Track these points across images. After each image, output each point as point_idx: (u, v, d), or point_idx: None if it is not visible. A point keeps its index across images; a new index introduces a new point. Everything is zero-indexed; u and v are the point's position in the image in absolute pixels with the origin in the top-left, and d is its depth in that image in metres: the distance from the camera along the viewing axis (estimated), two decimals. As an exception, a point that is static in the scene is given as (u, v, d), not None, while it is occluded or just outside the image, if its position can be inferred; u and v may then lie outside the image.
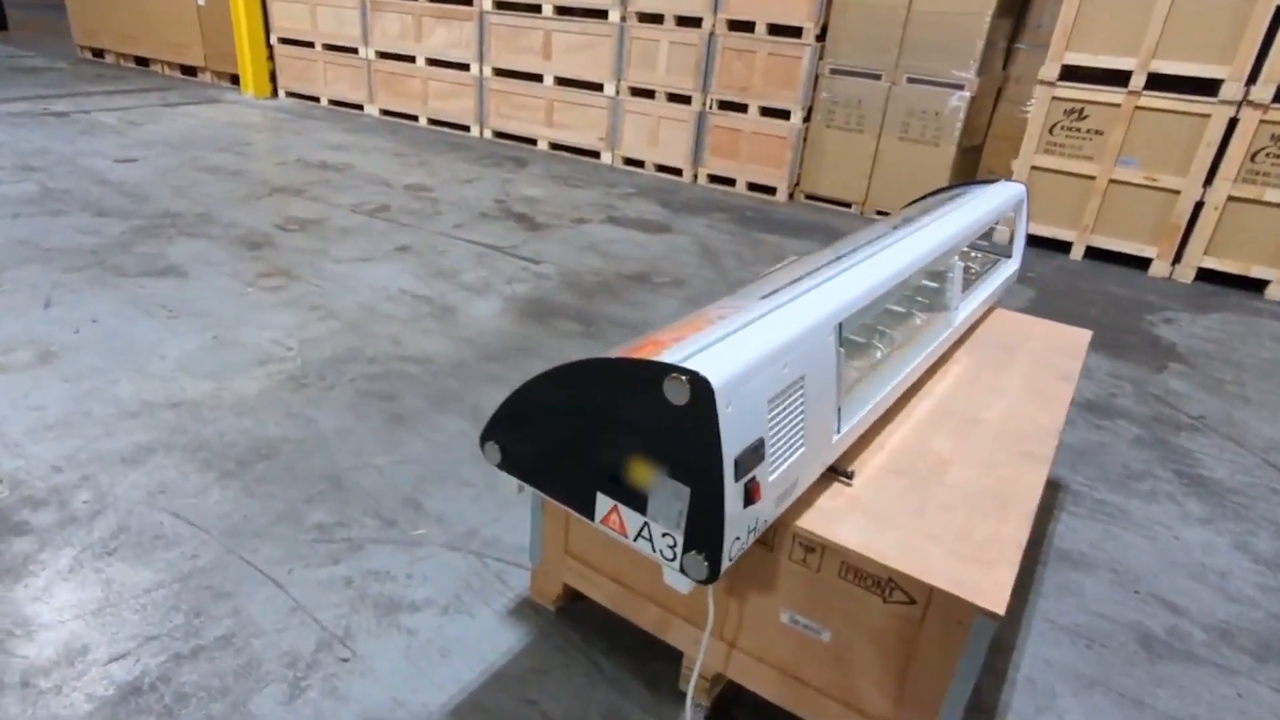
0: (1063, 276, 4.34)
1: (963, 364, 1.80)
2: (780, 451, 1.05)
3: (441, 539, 1.80)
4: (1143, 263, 4.59)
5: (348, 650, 1.47)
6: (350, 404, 2.32)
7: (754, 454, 0.96)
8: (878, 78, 4.99)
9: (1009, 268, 2.22)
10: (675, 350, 0.99)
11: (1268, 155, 4.19)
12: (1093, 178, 4.62)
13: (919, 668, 1.11)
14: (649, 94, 5.54)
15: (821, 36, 5.04)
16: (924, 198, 2.40)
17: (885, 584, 1.10)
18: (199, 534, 1.74)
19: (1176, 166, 4.40)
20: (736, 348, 0.98)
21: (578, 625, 1.58)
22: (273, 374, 2.44)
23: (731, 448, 0.92)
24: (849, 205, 5.28)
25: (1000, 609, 1.01)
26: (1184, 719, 1.51)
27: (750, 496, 0.96)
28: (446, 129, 6.42)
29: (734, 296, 1.62)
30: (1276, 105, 4.07)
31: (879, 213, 5.16)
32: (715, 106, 5.37)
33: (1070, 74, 4.55)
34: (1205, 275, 4.41)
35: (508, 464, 1.16)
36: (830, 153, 5.23)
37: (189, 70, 7.70)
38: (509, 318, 3.02)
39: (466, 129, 6.37)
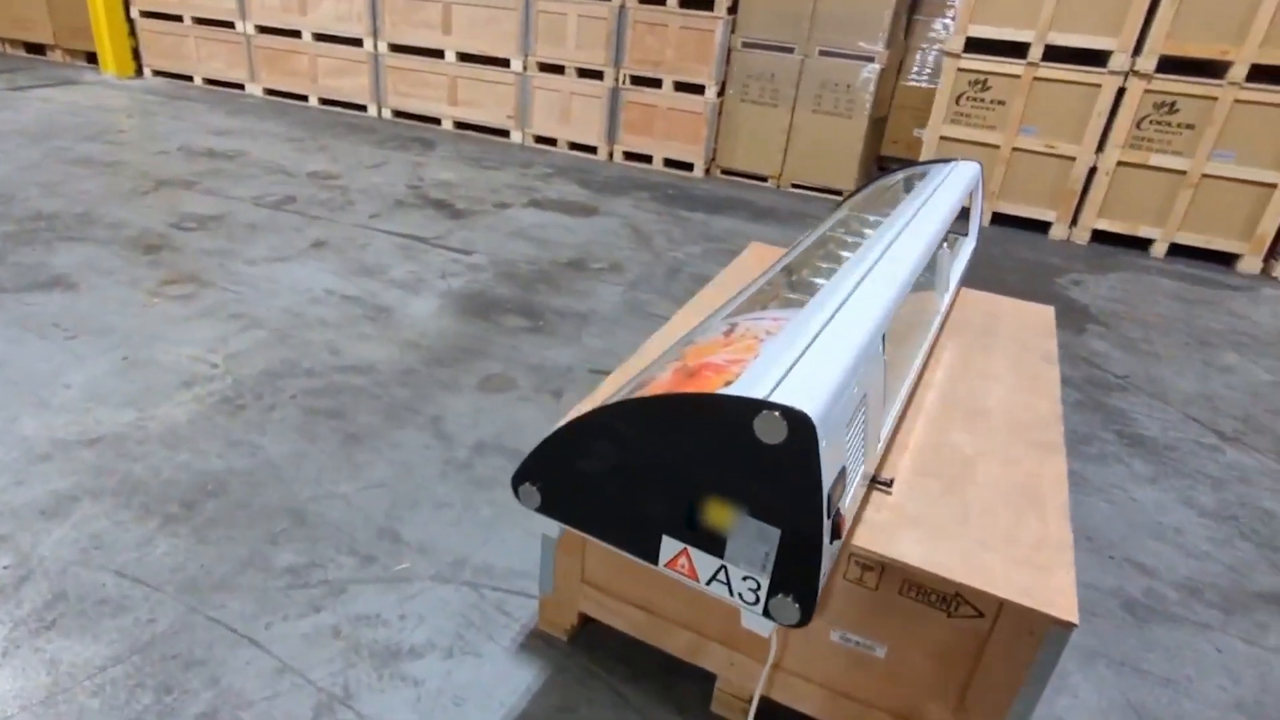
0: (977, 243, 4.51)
1: (950, 349, 1.81)
2: (851, 476, 1.00)
3: (429, 571, 1.67)
4: (1044, 226, 4.83)
5: (351, 712, 1.34)
6: (297, 425, 2.12)
7: (839, 485, 0.91)
8: (790, 51, 4.99)
9: (969, 246, 2.25)
10: (749, 379, 0.91)
11: (1151, 123, 4.47)
12: (997, 146, 4.80)
13: (984, 679, 1.10)
14: (559, 69, 5.36)
15: (734, 9, 4.99)
16: (880, 178, 2.40)
17: (951, 599, 1.08)
18: (152, 593, 1.54)
19: (1072, 134, 4.62)
20: (813, 373, 0.92)
21: (593, 654, 1.50)
22: (202, 397, 2.21)
23: (826, 484, 0.86)
24: (765, 179, 5.30)
25: (1073, 617, 1.01)
26: (1180, 680, 1.59)
27: (837, 530, 0.90)
28: (341, 109, 6.02)
29: (755, 308, 1.56)
30: (1159, 75, 4.33)
31: (795, 186, 5.21)
32: (628, 82, 5.25)
33: (974, 46, 4.69)
34: (1099, 236, 4.68)
35: (549, 507, 1.07)
36: (745, 127, 5.22)
37: (36, 49, 6.88)
38: (450, 316, 2.85)
39: (363, 109, 5.99)
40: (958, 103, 4.84)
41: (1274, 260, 4.43)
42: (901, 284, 1.29)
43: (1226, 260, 4.50)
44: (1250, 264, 4.44)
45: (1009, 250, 4.44)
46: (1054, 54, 4.52)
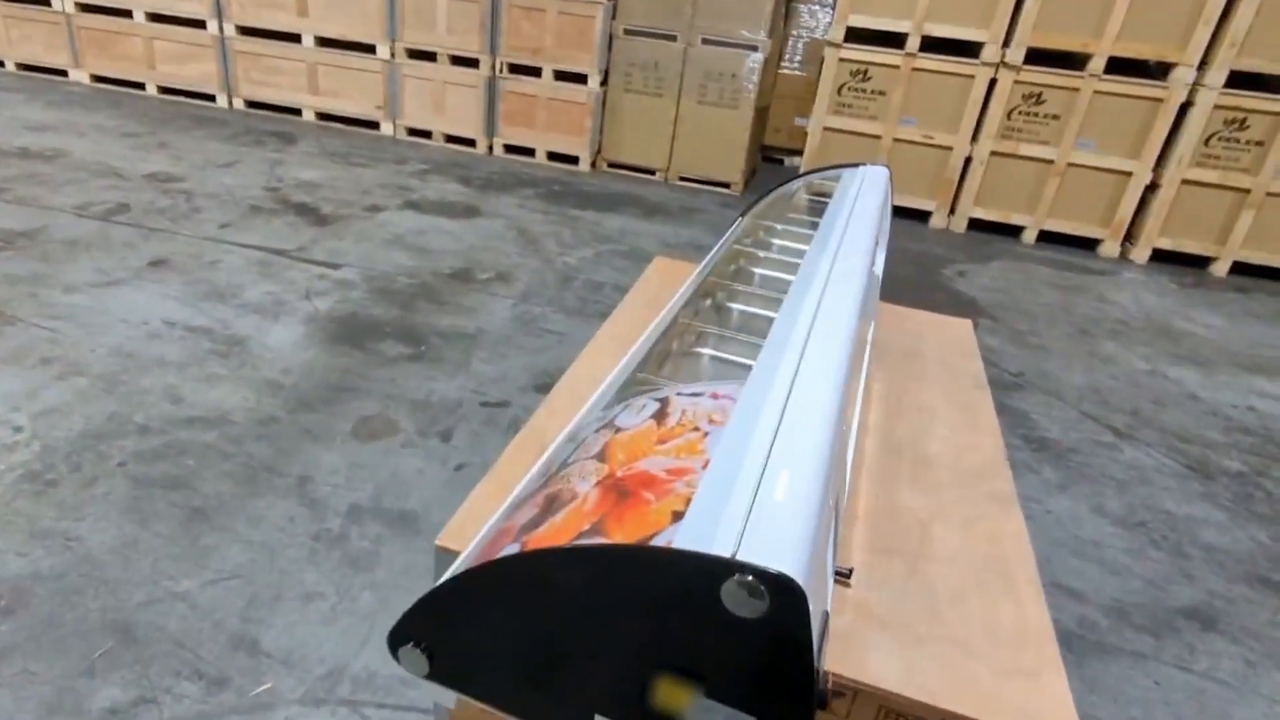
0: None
1: (880, 380, 1.68)
2: (829, 609, 0.81)
3: (296, 691, 1.39)
4: (924, 215, 4.89)
5: None
6: (126, 503, 1.76)
7: (823, 639, 0.72)
8: (673, 39, 4.81)
9: (883, 257, 2.14)
10: (704, 516, 0.71)
11: (1021, 113, 4.59)
12: (878, 137, 4.82)
13: (970, 804, 0.95)
14: (430, 56, 4.96)
15: (614, -6, 4.76)
16: (787, 183, 2.26)
17: (934, 723, 0.92)
18: (-76, 763, 1.19)
19: (949, 125, 4.69)
20: (786, 502, 0.72)
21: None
22: None
23: (815, 652, 0.67)
24: (653, 172, 5.12)
25: (1074, 738, 0.87)
26: (1124, 722, 1.54)
27: (824, 699, 0.72)
28: (185, 99, 5.35)
29: (683, 366, 1.35)
30: (1027, 67, 4.44)
31: (683, 179, 5.06)
32: (506, 70, 4.93)
33: (854, 36, 4.66)
34: (975, 224, 4.79)
35: (441, 675, 0.83)
36: (631, 118, 5.02)
37: None
38: (317, 345, 2.51)
39: (211, 99, 5.35)
40: (840, 93, 4.81)
41: (1129, 244, 4.66)
42: (852, 336, 1.12)
43: (1089, 245, 4.69)
44: (1110, 248, 4.66)
45: (894, 241, 4.46)
46: (931, 45, 4.56)
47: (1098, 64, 4.34)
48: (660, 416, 0.98)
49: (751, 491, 0.74)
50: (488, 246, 3.51)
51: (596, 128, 4.99)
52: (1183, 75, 4.24)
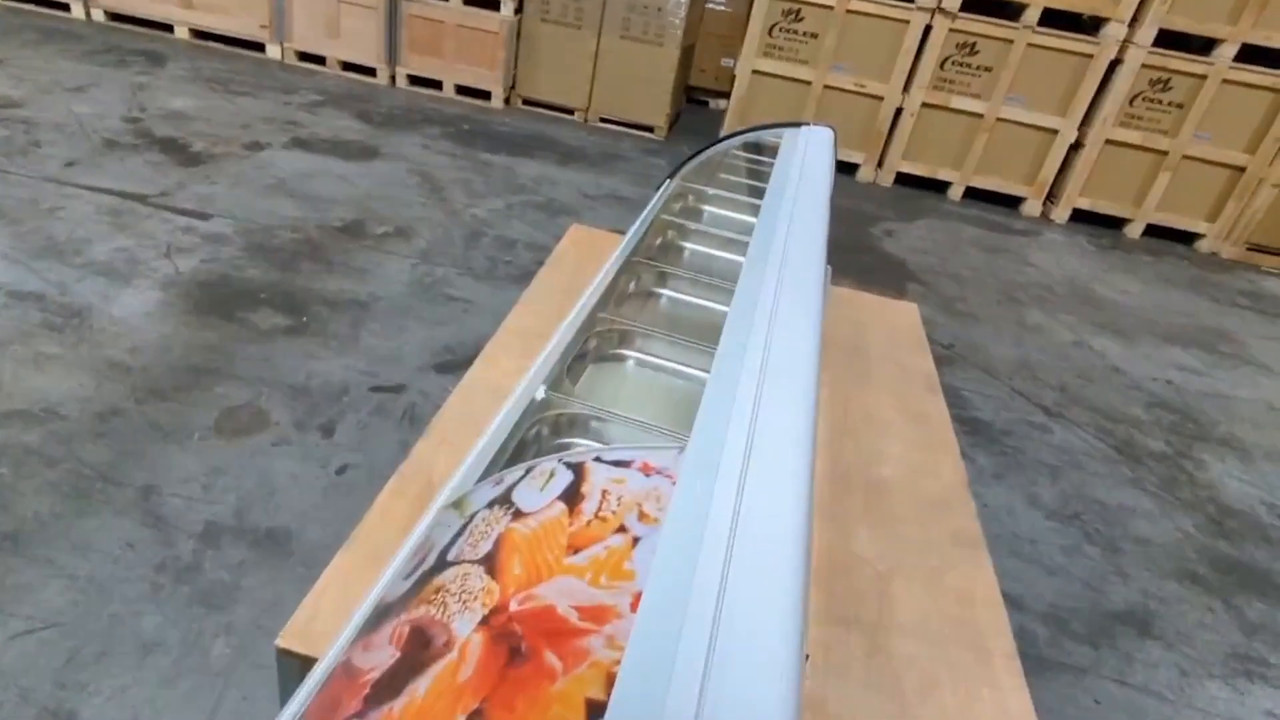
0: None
1: (826, 383, 1.49)
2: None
3: (130, 775, 1.13)
4: (852, 168, 4.73)
5: None
6: (-86, 528, 1.43)
7: None
8: (595, -35, 4.41)
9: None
10: (639, 696, 0.49)
11: (954, 64, 4.43)
12: (809, 83, 4.59)
13: None
14: (320, -31, 4.39)
15: (530, -90, 4.29)
16: (720, 141, 2.01)
17: None
18: None
19: (881, 73, 4.50)
20: (755, 682, 0.51)
21: None
22: None
23: None
24: (571, 112, 4.76)
25: None
26: (1068, 753, 1.45)
27: None
28: (33, 5, 4.59)
29: (601, 401, 1.11)
30: (964, 15, 4.27)
31: (603, 120, 4.72)
32: (409, -10, 4.42)
33: (789, -28, 4.37)
34: (902, 179, 4.67)
35: None
36: (548, 52, 4.61)
37: None
38: (177, 315, 2.15)
39: (65, 7, 4.61)
40: (770, 34, 4.54)
41: (1051, 203, 4.64)
42: (814, 376, 0.92)
43: (1013, 203, 4.65)
44: (1032, 207, 4.62)
45: (827, 198, 4.29)
46: (868, -14, 4.32)
47: (1032, 15, 4.20)
48: (573, 497, 0.75)
49: (702, 661, 0.52)
50: (386, 195, 3.14)
51: (510, 60, 4.57)
52: (1115, 31, 4.15)
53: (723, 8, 5.32)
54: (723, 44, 5.38)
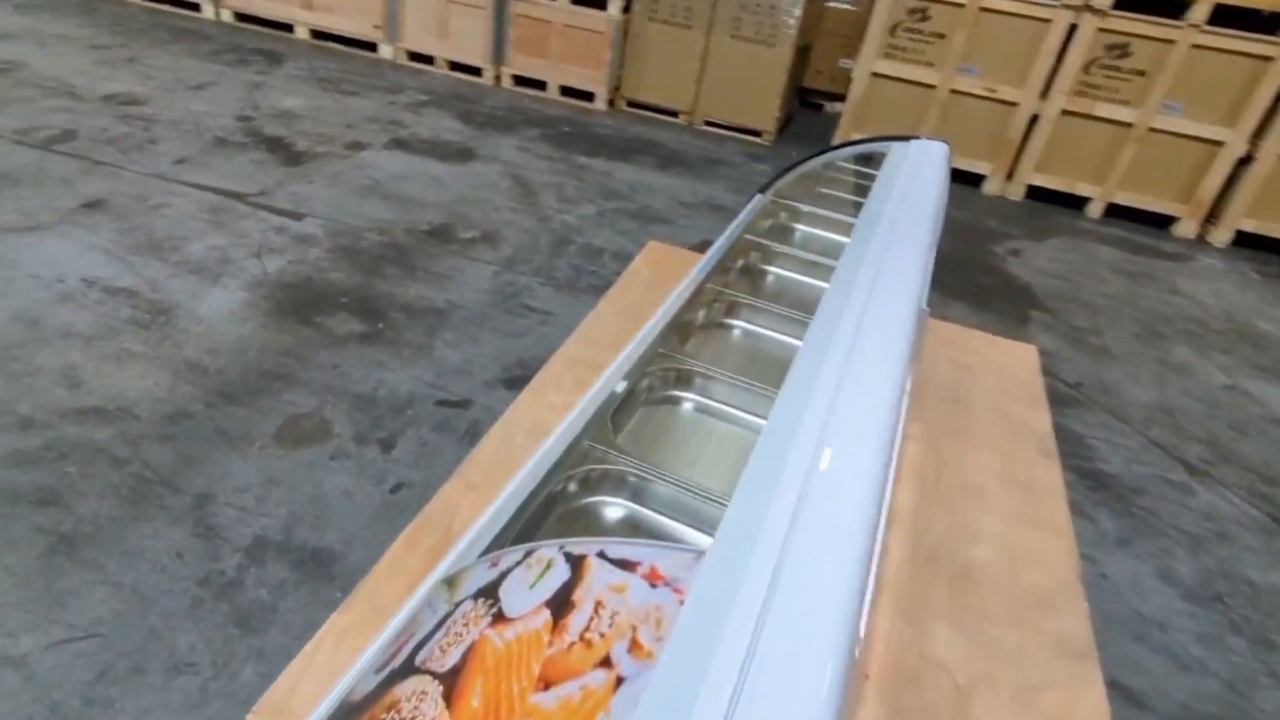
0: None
1: (915, 440, 1.30)
2: None
3: (134, 813, 1.08)
4: (977, 179, 4.38)
5: None
6: (-20, 523, 1.46)
7: None
8: (708, -38, 4.26)
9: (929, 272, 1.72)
10: None
11: (1100, 67, 4.02)
12: (933, 87, 4.27)
13: None
14: (434, -29, 4.45)
15: (642, -93, 4.19)
16: (821, 153, 1.83)
17: None
18: None
19: (1016, 77, 4.14)
20: None
21: None
22: None
23: None
24: (676, 114, 4.63)
25: None
26: None
27: None
28: (167, 6, 4.90)
29: (644, 454, 0.98)
30: (1116, 13, 3.85)
31: (709, 123, 4.57)
32: (519, -10, 4.41)
33: (916, -33, 4.08)
34: (1034, 193, 4.28)
35: None
36: (655, 52, 4.50)
37: None
38: (258, 317, 2.16)
39: (195, 7, 4.90)
40: (893, 34, 4.25)
41: (1210, 224, 4.13)
42: (890, 430, 0.75)
43: (1162, 223, 4.17)
44: (1186, 228, 4.13)
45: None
46: (1002, -19, 3.97)
47: (1200, 12, 3.73)
48: (562, 605, 0.61)
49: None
50: (477, 198, 3.11)
51: (616, 61, 4.48)
52: (1299, 31, 3.64)
53: (847, 6, 5.05)
54: (843, 44, 5.11)
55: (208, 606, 1.38)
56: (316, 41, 4.74)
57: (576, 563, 0.67)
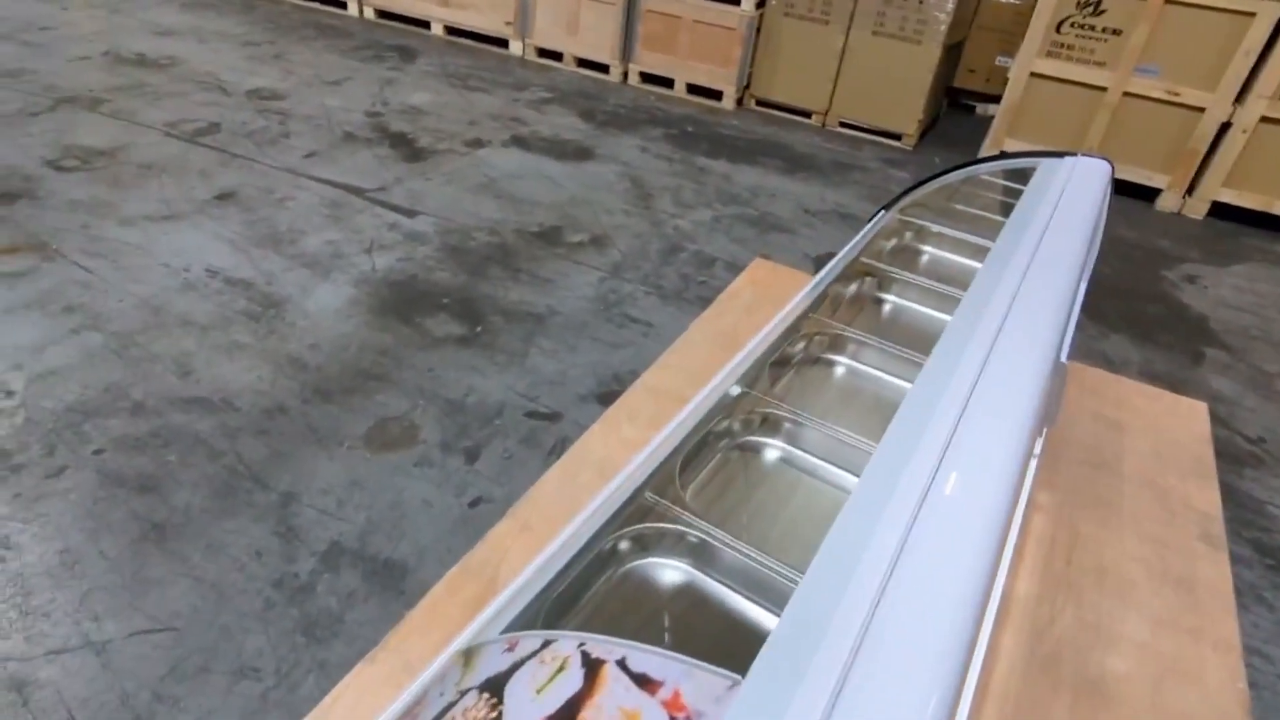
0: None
1: (1043, 513, 1.10)
2: None
3: (175, 828, 1.07)
4: (1150, 193, 3.91)
5: None
6: (83, 505, 1.51)
7: None
8: (850, -47, 4.02)
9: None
10: None
11: (1310, 68, 3.48)
12: (1104, 89, 3.83)
13: None
14: (568, -33, 4.44)
15: (784, -103, 4.00)
16: (953, 170, 1.62)
17: None
18: None
19: (1205, 79, 3.64)
20: None
21: None
22: (-35, 450, 1.60)
23: None
24: (809, 115, 4.41)
25: None
26: None
27: None
28: (317, 5, 5.15)
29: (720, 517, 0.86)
30: (1332, 5, 3.31)
31: (844, 125, 4.32)
32: (650, -14, 4.32)
33: (1088, -45, 3.68)
34: (1218, 210, 3.77)
35: None
36: (788, 49, 4.29)
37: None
38: (362, 315, 2.18)
39: (342, 5, 5.13)
40: (1058, 29, 3.85)
41: None
42: (1006, 504, 0.59)
43: (1377, 250, 3.57)
44: None
45: (1105, 226, 3.56)
46: (1194, -29, 3.51)
47: None
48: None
49: None
50: (590, 200, 3.05)
51: (747, 58, 4.32)
52: None
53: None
54: (1001, 40, 4.72)
55: (278, 610, 1.37)
56: (450, 38, 4.85)
57: (593, 669, 0.55)
